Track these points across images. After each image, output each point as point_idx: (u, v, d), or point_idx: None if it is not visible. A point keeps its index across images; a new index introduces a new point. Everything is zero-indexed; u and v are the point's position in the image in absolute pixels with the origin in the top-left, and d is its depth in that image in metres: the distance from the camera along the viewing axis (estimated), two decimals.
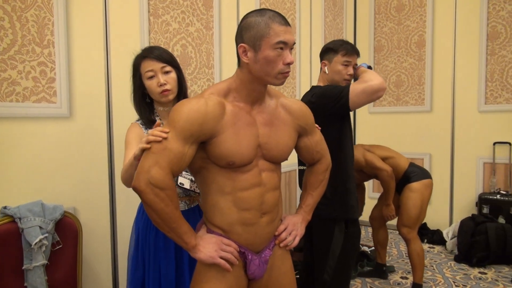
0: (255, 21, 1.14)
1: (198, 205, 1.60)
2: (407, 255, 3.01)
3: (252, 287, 1.31)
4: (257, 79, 1.18)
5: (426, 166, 4.18)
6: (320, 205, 1.71)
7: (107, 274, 2.10)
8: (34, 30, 1.78)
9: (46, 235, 1.67)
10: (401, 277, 3.16)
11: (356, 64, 1.99)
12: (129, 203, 2.10)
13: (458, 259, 3.47)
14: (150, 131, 1.15)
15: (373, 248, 3.46)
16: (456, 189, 4.12)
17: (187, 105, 1.14)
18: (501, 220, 3.52)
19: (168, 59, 1.53)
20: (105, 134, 2.06)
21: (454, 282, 3.05)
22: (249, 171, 1.20)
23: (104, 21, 2.04)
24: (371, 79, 1.74)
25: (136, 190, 1.10)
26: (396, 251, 3.78)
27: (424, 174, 2.79)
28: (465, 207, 4.05)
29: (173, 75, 1.54)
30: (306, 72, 3.72)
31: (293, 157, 1.51)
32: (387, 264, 3.27)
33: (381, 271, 3.14)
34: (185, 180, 1.51)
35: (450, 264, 3.43)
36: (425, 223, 4.18)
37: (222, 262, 1.17)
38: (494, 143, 3.87)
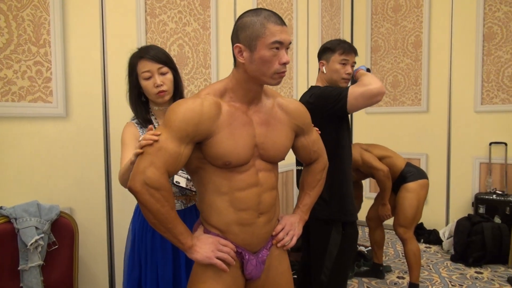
0: (250, 21, 1.14)
1: (195, 204, 1.59)
2: (403, 255, 3.02)
3: (249, 287, 1.31)
4: (253, 79, 1.18)
5: (422, 166, 4.20)
6: (318, 206, 1.71)
7: (104, 274, 2.09)
8: (30, 30, 1.77)
9: (42, 235, 1.66)
10: (398, 277, 3.16)
11: (355, 63, 1.99)
12: (125, 203, 2.09)
13: (455, 258, 3.49)
14: (142, 136, 1.15)
15: (369, 248, 3.47)
16: (452, 189, 4.14)
17: (183, 105, 1.14)
18: (497, 220, 3.54)
19: (165, 60, 1.53)
20: (102, 134, 2.05)
21: (450, 281, 3.06)
22: (246, 171, 1.20)
23: (100, 20, 2.04)
24: (371, 83, 1.73)
25: (131, 190, 1.10)
26: (392, 251, 3.78)
27: (420, 174, 2.80)
28: (461, 207, 4.07)
29: (169, 76, 1.54)
30: (303, 72, 3.72)
31: (291, 157, 1.51)
32: (384, 264, 3.28)
33: (378, 271, 3.14)
34: (181, 179, 1.51)
35: (447, 263, 3.45)
36: (421, 223, 4.19)
37: (219, 262, 1.16)
38: (490, 143, 3.89)
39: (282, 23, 1.16)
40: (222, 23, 2.73)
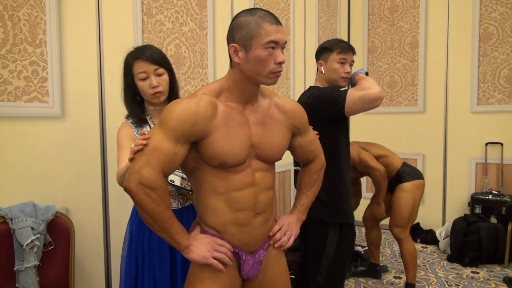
0: (245, 20, 1.14)
1: (192, 204, 1.59)
2: (400, 255, 3.03)
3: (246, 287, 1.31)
4: (249, 79, 1.18)
5: (419, 166, 4.21)
6: (315, 206, 1.71)
7: (100, 274, 2.08)
8: (26, 29, 1.77)
9: (38, 235, 1.65)
10: (394, 277, 3.17)
11: (353, 61, 1.98)
12: (122, 203, 2.09)
13: (451, 258, 3.50)
14: (134, 143, 1.15)
15: (366, 248, 3.48)
16: (448, 189, 4.15)
17: (179, 105, 1.14)
18: (493, 220, 3.55)
19: (161, 61, 1.54)
20: (98, 134, 2.04)
21: (446, 281, 3.07)
22: (242, 171, 1.20)
23: (97, 20, 2.03)
24: (370, 87, 1.71)
25: (127, 190, 1.10)
26: (389, 251, 3.79)
27: (416, 175, 2.80)
28: (457, 207, 4.08)
29: (165, 77, 1.55)
30: (300, 73, 3.73)
31: (288, 157, 1.51)
32: (381, 264, 3.28)
33: (375, 271, 3.15)
34: (175, 178, 1.51)
35: (443, 263, 3.46)
36: (418, 223, 4.20)
37: (215, 262, 1.16)
38: (486, 144, 3.91)
39: (278, 22, 1.15)
40: (219, 23, 2.73)
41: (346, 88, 2.00)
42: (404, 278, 2.99)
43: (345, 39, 4.59)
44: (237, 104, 1.21)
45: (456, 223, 3.58)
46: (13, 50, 1.73)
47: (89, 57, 2.01)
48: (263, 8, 2.34)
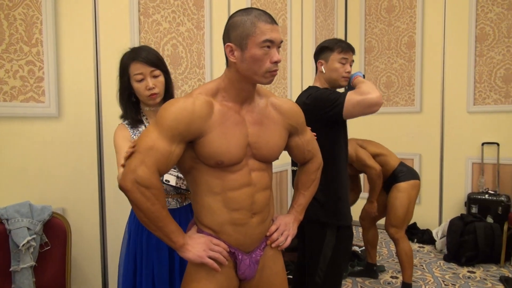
0: (241, 20, 1.14)
1: (191, 203, 1.59)
2: (396, 254, 3.03)
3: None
4: (245, 78, 1.18)
5: (416, 166, 4.22)
6: (313, 207, 1.70)
7: (97, 275, 2.08)
8: (22, 29, 1.76)
9: (34, 236, 1.65)
10: (391, 277, 3.18)
11: (353, 61, 1.98)
12: (119, 203, 2.08)
13: (448, 258, 3.51)
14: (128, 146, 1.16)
15: (363, 248, 3.48)
16: (445, 189, 4.17)
17: (175, 104, 1.14)
18: (490, 219, 3.56)
19: (157, 63, 1.55)
20: (95, 134, 2.04)
21: (443, 281, 3.07)
22: (238, 171, 1.20)
23: (93, 20, 2.02)
24: (370, 92, 1.70)
25: (122, 189, 1.10)
26: (386, 250, 3.80)
27: (412, 175, 2.81)
28: (454, 206, 4.10)
29: (161, 78, 1.56)
30: (297, 73, 3.73)
31: (285, 157, 1.51)
32: (378, 264, 3.29)
33: (372, 270, 3.16)
34: (170, 177, 1.51)
35: (440, 263, 3.47)
36: (415, 223, 4.21)
37: (210, 261, 1.16)
38: (483, 144, 3.92)
39: (273, 21, 1.16)
40: (216, 23, 2.73)
41: (346, 88, 2.00)
42: (401, 278, 2.99)
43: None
44: (233, 104, 1.21)
45: (452, 222, 3.59)
46: (9, 49, 1.72)
47: (85, 57, 2.00)
48: (260, 8, 2.34)
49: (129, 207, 1.65)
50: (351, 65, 1.96)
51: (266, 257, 1.31)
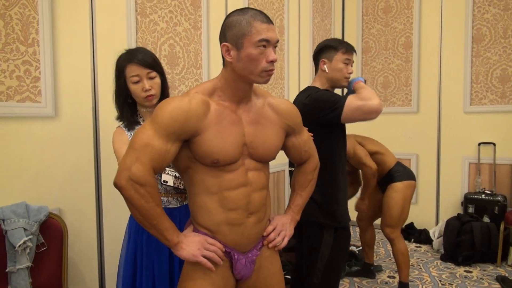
0: (237, 19, 1.15)
1: None
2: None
3: None
4: (241, 78, 1.18)
5: (413, 166, 4.23)
6: (310, 208, 1.70)
7: (94, 276, 2.07)
8: (18, 29, 1.75)
9: (31, 237, 1.64)
10: (389, 276, 3.18)
11: (353, 62, 1.97)
12: (115, 204, 2.08)
13: (444, 258, 3.52)
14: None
15: (360, 248, 3.49)
16: (442, 189, 4.18)
17: (171, 103, 1.14)
18: (486, 219, 3.58)
19: (153, 64, 1.55)
20: (91, 134, 2.03)
21: (440, 280, 3.08)
22: (235, 170, 1.20)
23: (90, 19, 2.02)
24: (370, 99, 1.69)
25: (116, 186, 1.10)
26: (383, 250, 3.81)
27: (408, 175, 2.81)
28: (451, 206, 4.11)
29: (157, 80, 1.56)
30: (295, 73, 3.73)
31: (282, 157, 1.51)
32: (375, 264, 3.30)
33: (369, 270, 3.16)
34: (168, 177, 1.52)
35: (437, 263, 3.48)
36: (412, 223, 4.23)
37: (204, 261, 1.16)
38: (479, 144, 3.94)
39: (269, 21, 1.16)
40: (213, 23, 2.73)
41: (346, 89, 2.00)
42: (398, 278, 3.00)
43: None
44: (230, 103, 1.21)
45: (449, 222, 3.61)
46: (5, 49, 1.71)
47: (82, 57, 2.00)
48: (257, 8, 2.34)
49: (126, 207, 1.65)
50: (351, 66, 1.95)
51: (263, 258, 1.31)
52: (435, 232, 3.92)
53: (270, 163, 1.34)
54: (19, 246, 1.59)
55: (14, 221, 1.62)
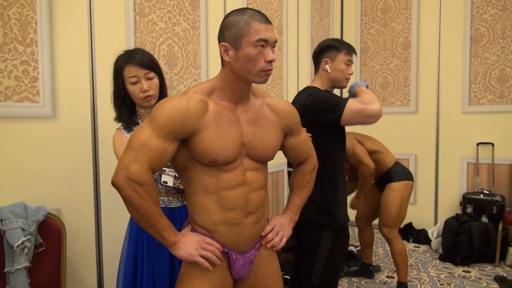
0: (235, 19, 1.15)
1: None
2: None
3: None
4: (239, 78, 1.18)
5: (411, 167, 4.24)
6: (309, 208, 1.70)
7: (92, 276, 2.07)
8: (16, 28, 1.75)
9: (29, 237, 1.64)
10: (387, 276, 3.19)
11: (353, 63, 1.97)
12: (114, 204, 2.08)
13: (443, 258, 3.52)
14: None
15: (359, 248, 3.49)
16: (440, 189, 4.18)
17: (169, 102, 1.14)
18: (484, 219, 3.58)
19: (151, 65, 1.55)
20: (90, 134, 2.03)
21: (438, 280, 3.09)
22: (233, 170, 1.20)
23: (88, 19, 2.02)
24: (371, 103, 1.69)
25: (114, 185, 1.10)
26: (382, 250, 3.81)
27: (406, 176, 2.81)
28: (449, 206, 4.12)
29: (155, 81, 1.57)
30: (293, 73, 3.73)
31: (281, 157, 1.51)
32: (373, 264, 3.30)
33: (368, 270, 3.16)
34: (168, 178, 1.52)
35: (435, 263, 3.48)
36: (410, 223, 4.23)
37: (202, 260, 1.16)
38: (478, 144, 3.94)
39: (267, 21, 1.16)
40: (212, 23, 2.73)
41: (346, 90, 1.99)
42: (396, 278, 3.00)
43: None
44: (228, 103, 1.21)
45: (448, 222, 3.61)
46: (3, 49, 1.71)
47: (80, 57, 1.99)
48: (256, 8, 2.34)
49: (125, 207, 1.65)
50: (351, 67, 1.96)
51: (261, 258, 1.31)
52: (433, 232, 3.93)
53: (268, 163, 1.34)
54: (17, 246, 1.59)
55: (12, 221, 1.62)
